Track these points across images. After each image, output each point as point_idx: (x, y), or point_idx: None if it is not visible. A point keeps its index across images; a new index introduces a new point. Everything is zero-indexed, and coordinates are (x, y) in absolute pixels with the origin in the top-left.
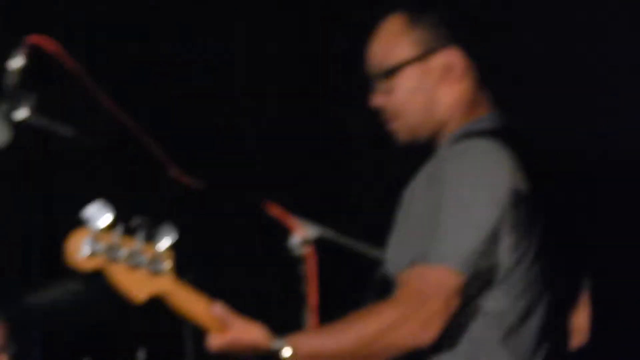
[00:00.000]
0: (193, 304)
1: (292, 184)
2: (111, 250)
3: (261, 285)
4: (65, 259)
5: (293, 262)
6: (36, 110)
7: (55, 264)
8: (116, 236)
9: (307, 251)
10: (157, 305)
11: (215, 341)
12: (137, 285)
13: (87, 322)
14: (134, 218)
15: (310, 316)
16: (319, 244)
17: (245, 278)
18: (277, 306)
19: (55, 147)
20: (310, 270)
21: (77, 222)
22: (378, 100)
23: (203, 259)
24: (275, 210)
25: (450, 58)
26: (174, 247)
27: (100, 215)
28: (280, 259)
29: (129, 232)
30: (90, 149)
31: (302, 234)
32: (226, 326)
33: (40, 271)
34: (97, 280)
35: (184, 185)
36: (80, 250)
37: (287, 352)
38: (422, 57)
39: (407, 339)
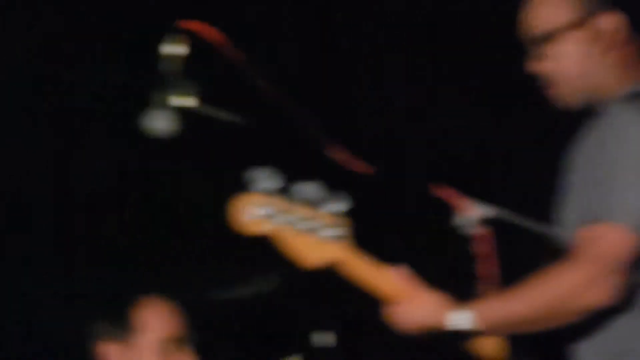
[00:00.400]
0: (369, 272)
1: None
2: (280, 215)
3: (431, 267)
4: (234, 223)
5: (463, 242)
6: (199, 97)
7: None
8: (286, 201)
9: (478, 231)
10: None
11: (397, 309)
12: (309, 252)
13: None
14: (306, 184)
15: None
16: (489, 223)
17: (414, 259)
18: (449, 287)
19: (218, 133)
20: (483, 250)
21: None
22: (537, 65)
23: (368, 242)
24: (443, 191)
25: (611, 22)
26: (348, 214)
27: (270, 181)
28: (449, 239)
29: (302, 197)
30: (251, 132)
31: (471, 214)
32: (408, 293)
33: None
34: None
35: (345, 168)
36: (250, 214)
37: (470, 320)
38: (583, 21)
39: (591, 300)
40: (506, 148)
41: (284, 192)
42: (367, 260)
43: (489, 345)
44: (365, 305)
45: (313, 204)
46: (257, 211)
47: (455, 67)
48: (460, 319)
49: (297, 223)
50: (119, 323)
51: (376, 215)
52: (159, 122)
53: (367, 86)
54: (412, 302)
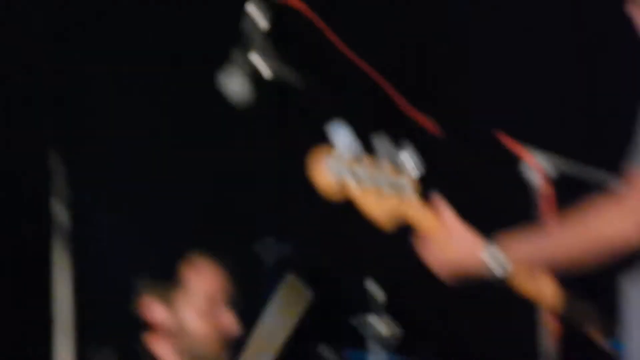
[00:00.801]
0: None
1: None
2: (357, 173)
3: (492, 216)
4: (313, 184)
5: (526, 192)
6: (277, 64)
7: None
8: (362, 158)
9: (541, 181)
10: None
11: (439, 247)
12: (384, 210)
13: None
14: (379, 143)
15: None
16: (552, 174)
17: (474, 209)
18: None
19: (295, 101)
20: (545, 200)
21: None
22: None
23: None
24: (508, 142)
25: None
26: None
27: (346, 140)
28: (510, 190)
29: (375, 154)
30: (331, 99)
31: (535, 164)
32: (451, 231)
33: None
34: None
35: (422, 128)
36: (327, 174)
37: (508, 255)
38: None
39: (629, 235)
40: (580, 101)
41: (357, 149)
42: (433, 212)
43: (535, 285)
44: None
45: (384, 159)
46: (333, 169)
47: None
48: (498, 254)
49: (372, 180)
50: (164, 280)
51: (442, 167)
52: (235, 83)
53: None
54: (453, 239)
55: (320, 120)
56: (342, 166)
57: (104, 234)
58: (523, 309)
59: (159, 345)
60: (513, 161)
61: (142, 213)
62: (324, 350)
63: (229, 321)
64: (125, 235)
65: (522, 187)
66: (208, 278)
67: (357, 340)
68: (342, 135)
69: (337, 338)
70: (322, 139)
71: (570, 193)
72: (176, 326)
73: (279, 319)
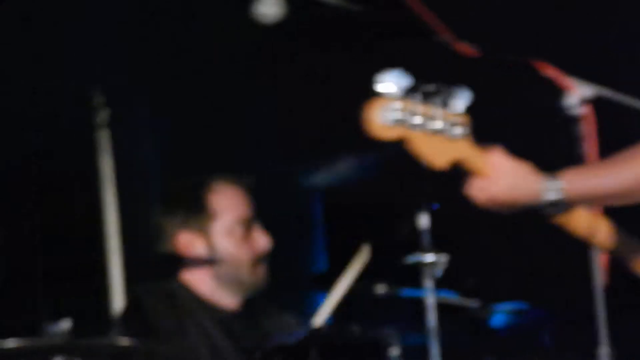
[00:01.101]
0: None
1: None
2: (410, 117)
3: (534, 147)
4: (366, 128)
5: (569, 122)
6: None
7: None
8: (414, 103)
9: (584, 111)
10: None
11: (492, 182)
12: (437, 152)
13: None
14: (429, 84)
15: None
16: (595, 103)
17: (516, 139)
18: (553, 167)
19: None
20: (588, 130)
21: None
22: None
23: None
24: (549, 70)
25: None
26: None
27: (397, 83)
28: (555, 119)
29: (426, 97)
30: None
31: (577, 93)
32: (503, 168)
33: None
34: None
35: (456, 53)
36: (381, 118)
37: (560, 190)
38: None
39: None
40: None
41: (411, 93)
42: (485, 152)
43: (585, 222)
44: None
45: (438, 103)
46: (388, 114)
47: None
48: (551, 189)
49: (425, 124)
50: (195, 210)
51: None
52: (269, 5)
53: None
54: (507, 175)
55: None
56: (396, 110)
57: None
58: (575, 245)
59: (198, 276)
60: (556, 92)
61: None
62: (380, 289)
63: (263, 241)
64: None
65: (567, 119)
66: (236, 202)
67: (412, 278)
68: (396, 79)
69: (392, 277)
70: (375, 86)
71: (613, 122)
72: (212, 254)
73: (349, 280)
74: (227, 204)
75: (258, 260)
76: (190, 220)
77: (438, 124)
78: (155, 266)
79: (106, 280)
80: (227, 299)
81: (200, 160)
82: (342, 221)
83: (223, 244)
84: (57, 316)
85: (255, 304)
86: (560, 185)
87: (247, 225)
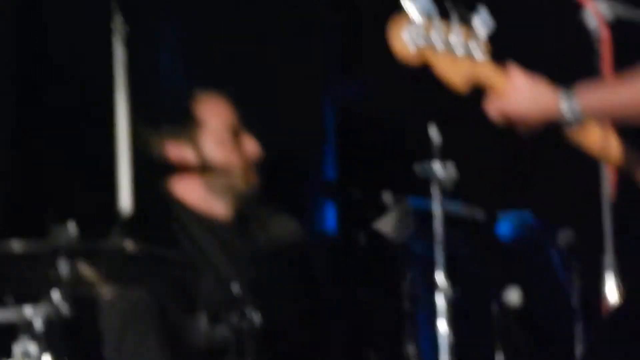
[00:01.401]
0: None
1: None
2: (432, 39)
3: (551, 64)
4: (390, 49)
5: (586, 39)
6: None
7: None
8: (436, 24)
9: (601, 28)
10: None
11: (511, 99)
12: (458, 73)
13: None
14: (452, 6)
15: None
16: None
17: (540, 62)
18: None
19: None
20: (605, 48)
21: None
22: None
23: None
24: None
25: None
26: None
27: (420, 5)
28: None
29: (448, 19)
30: None
31: (595, 10)
32: (521, 84)
33: None
34: None
35: None
36: (404, 40)
37: (576, 105)
38: None
39: None
40: None
41: (434, 15)
42: (504, 72)
43: (597, 138)
44: None
45: (459, 25)
46: (411, 35)
47: None
48: (567, 103)
49: (445, 45)
50: (182, 121)
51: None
52: None
53: None
54: (524, 91)
55: None
56: (418, 32)
57: None
58: (588, 161)
59: (189, 184)
60: (574, 8)
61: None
62: (388, 198)
63: (252, 147)
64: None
65: (584, 35)
66: (222, 111)
67: (420, 187)
68: (419, 2)
69: (400, 185)
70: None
71: (631, 39)
72: (203, 163)
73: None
74: (214, 113)
75: (248, 166)
76: (179, 131)
77: (459, 46)
78: (147, 174)
79: (114, 185)
80: (219, 207)
81: (219, 73)
82: (353, 132)
83: (213, 152)
84: (63, 219)
85: (250, 210)
86: (575, 100)
87: (236, 133)
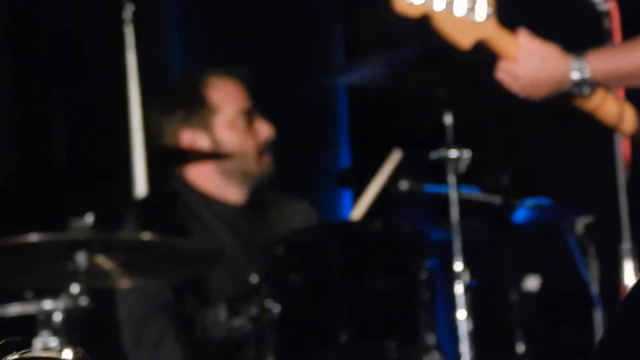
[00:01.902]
0: (512, 46)
1: None
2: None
3: (560, 37)
4: (392, 6)
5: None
6: None
7: None
8: None
9: (609, 6)
10: None
11: (521, 65)
12: (461, 31)
13: None
14: None
15: None
16: None
17: (547, 27)
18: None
19: None
20: (614, 25)
21: None
22: None
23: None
24: None
25: None
26: None
27: None
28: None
29: None
30: None
31: None
32: (532, 51)
33: None
34: None
35: None
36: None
37: (586, 69)
38: None
39: None
40: None
41: None
42: (510, 36)
43: (612, 108)
44: None
45: None
46: None
47: None
48: (577, 68)
49: (449, 2)
50: (195, 107)
51: None
52: None
53: None
54: (533, 55)
55: None
56: None
57: None
58: (601, 133)
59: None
60: None
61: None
62: (402, 185)
63: (265, 130)
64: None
65: (593, 12)
66: (235, 95)
67: (435, 174)
68: None
69: (416, 172)
70: None
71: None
72: (216, 148)
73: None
74: (226, 97)
75: (262, 150)
76: (191, 117)
77: (460, 4)
78: (160, 162)
79: (130, 175)
80: (233, 193)
81: (226, 53)
82: (366, 119)
83: (226, 137)
84: (81, 211)
85: (265, 195)
86: (585, 64)
87: (248, 117)
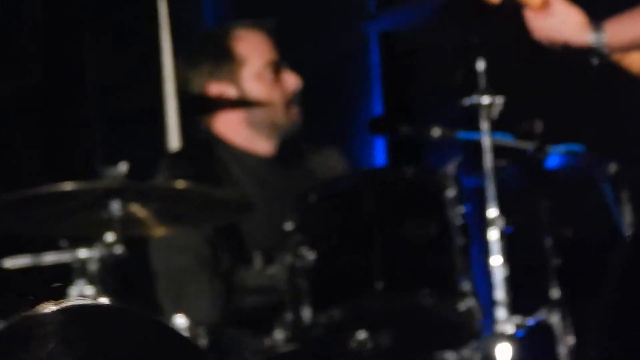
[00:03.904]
0: None
1: None
2: None
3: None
4: None
5: None
6: None
7: None
8: None
9: None
10: None
11: (544, 17)
12: None
13: None
14: None
15: None
16: None
17: None
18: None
19: None
20: None
21: None
22: None
23: None
24: None
25: None
26: None
27: None
28: None
29: None
30: None
31: None
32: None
33: None
34: None
35: None
36: None
37: (603, 38)
38: None
39: None
40: None
41: None
42: None
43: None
44: None
45: None
46: None
47: None
48: (596, 36)
49: None
50: (222, 60)
51: None
52: None
53: None
54: (557, 11)
55: None
56: None
57: None
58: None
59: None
60: None
61: None
62: (435, 132)
63: (293, 81)
64: None
65: None
66: (262, 47)
67: (468, 121)
68: None
69: (449, 119)
70: None
71: None
72: (244, 100)
73: None
74: (253, 49)
75: (290, 101)
76: (219, 70)
77: None
78: (189, 112)
79: (162, 124)
80: (262, 145)
81: (258, 8)
82: (398, 66)
83: (254, 89)
84: (114, 159)
85: (293, 146)
86: (603, 33)
87: (276, 68)
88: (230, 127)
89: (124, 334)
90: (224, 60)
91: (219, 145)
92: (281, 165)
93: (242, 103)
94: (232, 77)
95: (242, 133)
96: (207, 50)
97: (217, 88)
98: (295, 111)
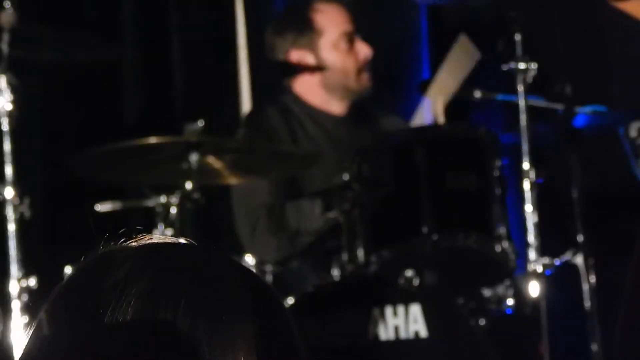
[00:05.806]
0: None
1: None
2: None
3: None
4: None
5: None
6: None
7: None
8: None
9: None
10: None
11: None
12: None
13: None
14: None
15: None
16: None
17: None
18: None
19: None
20: None
21: None
22: None
23: None
24: None
25: None
26: None
27: None
28: None
29: None
30: None
31: None
32: None
33: None
34: None
35: None
36: None
37: None
38: None
39: None
40: None
41: None
42: None
43: None
44: None
45: None
46: None
47: None
48: None
49: None
50: (303, 30)
51: None
52: None
53: None
54: None
55: None
56: None
57: None
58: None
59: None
60: None
61: None
62: (476, 94)
63: (365, 50)
64: None
65: None
66: (338, 19)
67: (506, 84)
68: None
69: (489, 82)
70: None
71: None
72: (321, 65)
73: (451, 73)
74: (331, 21)
75: (361, 68)
76: (300, 39)
77: None
78: (273, 74)
79: (236, 86)
80: (336, 106)
81: None
82: (444, 34)
83: (330, 57)
84: (194, 117)
85: (363, 108)
86: None
87: (350, 38)
88: (308, 88)
89: (191, 263)
90: (305, 30)
91: (297, 104)
92: (351, 125)
93: (319, 68)
94: (311, 45)
95: (318, 94)
96: (291, 21)
97: (298, 54)
98: (366, 77)
